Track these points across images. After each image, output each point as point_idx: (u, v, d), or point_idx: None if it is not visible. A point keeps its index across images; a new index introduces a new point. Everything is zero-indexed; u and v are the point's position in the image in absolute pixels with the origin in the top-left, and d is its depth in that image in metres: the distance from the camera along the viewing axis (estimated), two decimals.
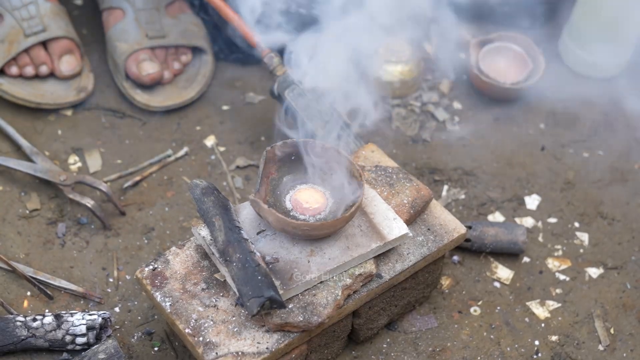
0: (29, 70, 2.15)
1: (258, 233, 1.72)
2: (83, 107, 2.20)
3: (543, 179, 2.16)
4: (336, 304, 1.67)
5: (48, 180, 2.01)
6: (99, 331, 1.77)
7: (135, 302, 1.88)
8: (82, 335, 1.75)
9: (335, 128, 2.07)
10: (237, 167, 2.12)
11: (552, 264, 2.01)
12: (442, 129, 2.24)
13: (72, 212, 2.00)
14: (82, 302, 1.87)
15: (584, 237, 2.06)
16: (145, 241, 1.98)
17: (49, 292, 1.86)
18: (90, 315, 1.76)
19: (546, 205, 2.11)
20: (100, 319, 1.76)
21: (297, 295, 1.67)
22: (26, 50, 2.15)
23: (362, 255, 1.71)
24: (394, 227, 1.74)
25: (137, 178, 2.07)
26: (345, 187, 1.75)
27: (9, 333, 1.74)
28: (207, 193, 1.72)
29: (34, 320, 1.76)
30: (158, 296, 1.68)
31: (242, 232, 1.67)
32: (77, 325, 1.75)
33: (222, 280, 1.70)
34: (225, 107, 2.23)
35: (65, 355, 1.76)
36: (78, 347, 1.76)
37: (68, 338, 1.75)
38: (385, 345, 1.87)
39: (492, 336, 1.89)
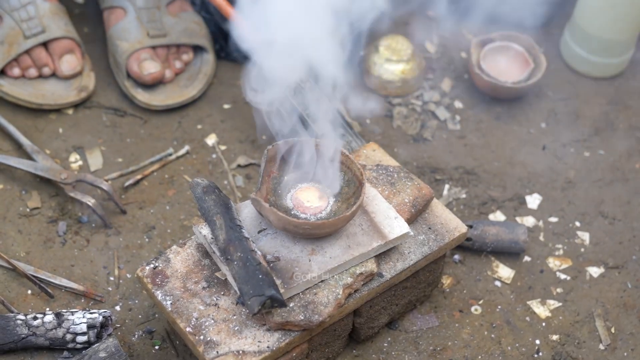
0: (32, 72, 2.16)
1: (259, 232, 1.72)
2: (84, 106, 2.20)
3: (544, 178, 2.16)
4: (337, 302, 1.67)
5: (49, 179, 2.01)
6: (100, 330, 1.77)
7: (136, 301, 1.88)
8: (83, 333, 1.75)
9: (336, 126, 2.06)
10: (238, 165, 2.12)
11: (553, 263, 2.01)
12: (443, 128, 2.24)
13: (72, 210, 2.00)
14: (82, 300, 1.87)
15: (585, 236, 2.06)
16: (146, 240, 1.97)
17: (49, 290, 1.86)
18: (91, 313, 1.76)
19: (547, 204, 2.11)
20: (101, 317, 1.76)
21: (298, 294, 1.67)
22: (27, 52, 2.15)
23: (363, 254, 1.71)
24: (395, 226, 1.74)
25: (138, 176, 2.07)
26: (346, 185, 1.75)
27: (10, 331, 1.74)
28: (208, 192, 1.72)
29: (35, 318, 1.76)
30: (159, 295, 1.68)
31: (243, 230, 1.67)
32: (77, 324, 1.75)
33: (223, 278, 1.70)
34: (226, 106, 2.23)
35: (65, 353, 1.76)
36: (79, 346, 1.76)
37: (69, 337, 1.75)
38: (386, 344, 1.87)
39: (493, 335, 1.89)
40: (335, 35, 2.10)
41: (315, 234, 1.69)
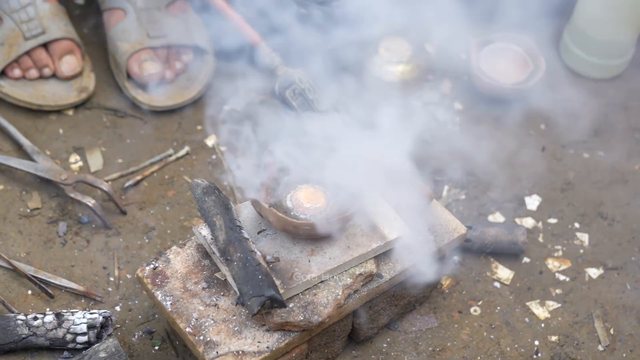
0: (33, 73, 2.16)
1: (259, 232, 1.72)
2: (84, 107, 2.20)
3: (543, 179, 2.16)
4: (336, 303, 1.67)
5: (49, 180, 2.01)
6: (100, 330, 1.77)
7: (136, 301, 1.88)
8: (83, 334, 1.75)
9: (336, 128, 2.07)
10: (238, 166, 2.12)
11: (552, 264, 2.02)
12: (443, 129, 2.24)
13: (73, 211, 2.01)
14: (82, 301, 1.88)
15: (584, 237, 2.07)
16: (146, 240, 1.98)
17: (49, 290, 1.87)
18: (91, 314, 1.77)
19: (546, 205, 2.11)
20: (101, 317, 1.76)
21: (298, 294, 1.67)
22: (27, 53, 2.15)
23: (363, 254, 1.71)
24: (395, 226, 1.74)
25: (138, 177, 2.07)
26: (346, 186, 1.75)
27: (10, 332, 1.75)
28: (208, 192, 1.72)
29: (35, 319, 1.76)
30: (159, 295, 1.69)
31: (243, 231, 1.67)
32: (77, 324, 1.75)
33: (223, 279, 1.71)
34: (226, 107, 2.23)
35: (66, 354, 1.77)
36: (79, 346, 1.76)
37: (69, 337, 1.75)
38: (385, 345, 1.87)
39: (492, 336, 1.90)
40: None
41: (315, 235, 1.69)
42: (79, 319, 1.76)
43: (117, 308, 1.87)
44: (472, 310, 1.94)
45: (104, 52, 2.28)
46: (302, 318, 1.64)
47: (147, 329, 1.85)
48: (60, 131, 2.15)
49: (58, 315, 1.76)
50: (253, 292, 1.59)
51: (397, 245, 1.76)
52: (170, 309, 1.67)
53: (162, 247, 1.96)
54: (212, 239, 1.69)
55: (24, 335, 1.75)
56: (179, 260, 1.74)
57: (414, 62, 2.28)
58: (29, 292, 1.88)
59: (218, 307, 1.67)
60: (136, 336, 1.84)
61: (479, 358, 1.86)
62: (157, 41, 2.19)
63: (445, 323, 1.91)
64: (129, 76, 2.19)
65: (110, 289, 1.90)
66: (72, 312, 1.77)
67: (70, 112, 2.19)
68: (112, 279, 1.92)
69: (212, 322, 1.65)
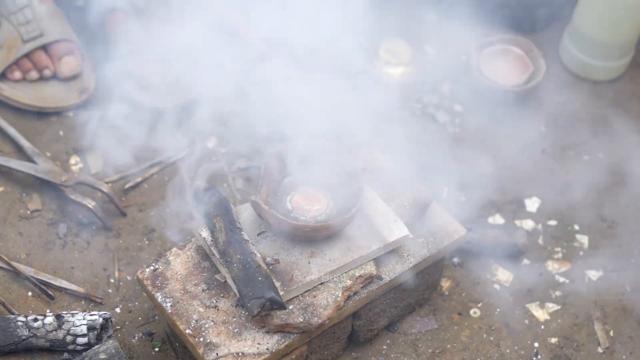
0: (33, 75, 2.16)
1: (259, 234, 1.72)
2: (85, 108, 2.20)
3: (543, 181, 2.16)
4: (336, 305, 1.67)
5: (49, 181, 2.01)
6: (100, 331, 1.77)
7: (136, 303, 1.89)
8: (83, 335, 1.75)
9: (336, 129, 2.07)
10: (238, 168, 2.12)
11: (551, 266, 2.02)
12: (442, 131, 2.24)
13: (73, 212, 2.01)
14: (83, 302, 1.88)
15: (583, 239, 2.07)
16: (146, 242, 1.98)
17: (50, 292, 1.87)
18: (91, 315, 1.77)
19: (546, 207, 2.12)
20: (101, 319, 1.76)
21: (298, 296, 1.67)
22: (27, 55, 2.15)
23: (363, 256, 1.71)
24: (394, 228, 1.74)
25: (138, 179, 2.08)
26: (346, 188, 1.75)
27: (10, 333, 1.75)
28: (208, 194, 1.72)
29: (35, 320, 1.76)
30: (159, 297, 1.69)
31: (242, 233, 1.68)
32: (78, 326, 1.75)
33: (223, 281, 1.71)
34: (226, 109, 2.23)
35: (66, 355, 1.77)
36: (79, 348, 1.76)
37: (69, 338, 1.75)
38: (385, 347, 1.87)
39: (491, 338, 1.90)
40: None
41: (314, 237, 1.70)
42: (79, 321, 1.76)
43: (117, 310, 1.88)
44: (471, 312, 1.94)
45: (105, 53, 2.27)
46: (301, 320, 1.64)
47: (147, 331, 1.85)
48: (61, 133, 2.15)
49: (58, 317, 1.76)
50: (253, 293, 1.59)
51: (397, 247, 1.76)
52: (170, 311, 1.67)
53: (162, 248, 1.96)
54: (212, 240, 1.69)
55: (24, 337, 1.75)
56: (179, 262, 1.74)
57: (414, 63, 2.28)
58: (29, 293, 1.88)
59: (218, 309, 1.68)
60: (136, 338, 1.85)
61: None
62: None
63: (445, 325, 1.91)
64: (130, 76, 2.19)
65: (110, 291, 1.90)
66: (72, 314, 1.77)
67: (71, 114, 2.19)
68: (112, 280, 1.92)
69: (212, 323, 1.66)
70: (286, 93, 2.10)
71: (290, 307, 1.66)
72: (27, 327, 1.75)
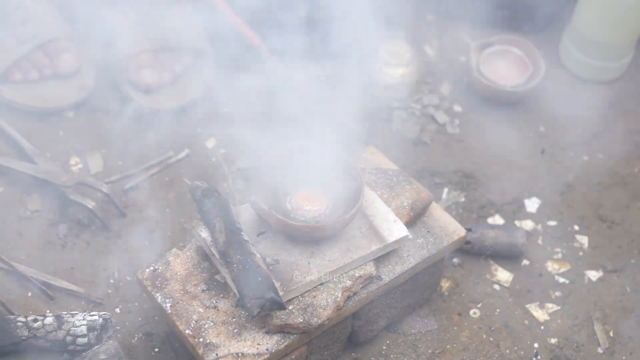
0: (34, 74, 2.16)
1: (259, 235, 1.72)
2: (85, 109, 2.20)
3: (543, 182, 2.16)
4: (336, 305, 1.67)
5: (49, 182, 2.02)
6: (100, 332, 1.77)
7: (136, 303, 1.89)
8: (83, 335, 1.75)
9: (336, 130, 2.07)
10: (238, 169, 2.12)
11: (551, 266, 2.02)
12: (442, 132, 2.24)
13: (73, 213, 2.01)
14: (82, 303, 1.88)
15: (583, 240, 2.07)
16: (146, 242, 1.98)
17: (49, 292, 1.87)
18: (91, 316, 1.77)
19: (546, 208, 2.12)
20: (101, 319, 1.76)
21: (297, 296, 1.67)
22: (25, 55, 2.15)
23: (362, 257, 1.71)
24: (394, 229, 1.74)
25: (138, 179, 2.08)
26: (345, 189, 1.75)
27: (10, 333, 1.75)
28: (208, 195, 1.72)
29: (35, 320, 1.76)
30: (159, 297, 1.69)
31: (242, 233, 1.68)
32: (77, 326, 1.75)
33: (223, 281, 1.71)
34: (226, 109, 2.23)
35: (66, 355, 1.77)
36: (79, 348, 1.76)
37: (69, 339, 1.75)
38: (384, 347, 1.87)
39: (491, 338, 1.90)
40: None
41: (314, 237, 1.70)
42: (79, 321, 1.76)
43: (117, 310, 1.88)
44: (471, 312, 1.94)
45: (105, 53, 2.27)
46: (301, 320, 1.64)
47: (146, 331, 1.85)
48: (61, 133, 2.15)
49: (58, 317, 1.76)
50: (253, 294, 1.59)
51: (396, 247, 1.76)
52: (170, 311, 1.67)
53: (162, 249, 1.96)
54: (212, 241, 1.69)
55: (24, 337, 1.75)
56: (179, 262, 1.74)
57: (414, 64, 2.29)
58: (29, 294, 1.88)
59: (218, 309, 1.68)
60: (136, 338, 1.85)
61: None
62: (157, 43, 2.19)
63: (444, 325, 1.91)
64: (128, 78, 2.19)
65: (110, 291, 1.90)
66: (72, 314, 1.77)
67: (71, 114, 2.19)
68: (111, 281, 1.92)
69: (211, 324, 1.66)
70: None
71: (290, 308, 1.66)
72: (27, 328, 1.75)
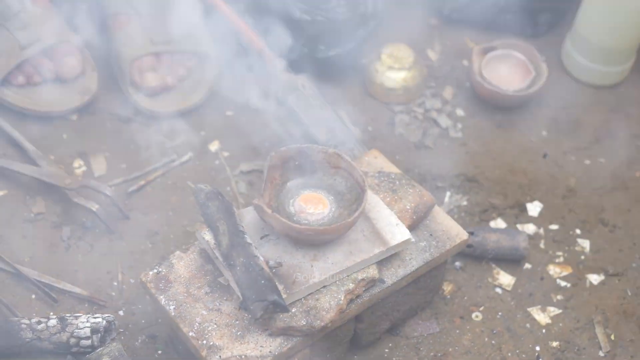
0: (36, 78, 2.17)
1: (262, 238, 1.73)
2: (88, 112, 2.21)
3: (545, 186, 2.17)
4: (339, 308, 1.68)
5: (53, 184, 2.02)
6: (103, 334, 1.78)
7: (139, 306, 1.89)
8: (87, 338, 1.76)
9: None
10: (241, 172, 2.13)
11: (553, 270, 2.02)
12: (444, 136, 2.25)
13: (76, 216, 2.01)
14: (86, 305, 1.89)
15: (585, 243, 2.07)
16: (150, 245, 1.99)
17: (53, 295, 1.88)
18: (94, 318, 1.77)
19: (548, 212, 2.12)
20: (104, 322, 1.77)
21: (300, 299, 1.68)
22: (28, 59, 2.16)
23: (365, 260, 1.72)
24: (397, 232, 1.75)
25: (142, 182, 2.08)
26: (348, 192, 1.76)
27: (14, 335, 1.75)
28: (211, 198, 1.73)
29: (39, 322, 1.77)
30: (162, 299, 1.70)
31: (246, 236, 1.68)
32: (81, 328, 1.76)
33: (226, 284, 1.71)
34: (229, 113, 2.24)
35: (69, 357, 1.77)
36: (82, 350, 1.76)
37: (72, 341, 1.76)
38: (387, 350, 1.88)
39: (493, 342, 1.90)
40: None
41: (317, 240, 1.70)
42: (83, 323, 1.76)
43: (121, 312, 1.88)
44: (473, 315, 1.94)
45: (108, 57, 2.28)
46: (304, 323, 1.65)
47: (150, 333, 1.86)
48: (64, 136, 2.16)
49: (62, 319, 1.77)
50: (256, 296, 1.60)
51: (399, 250, 1.76)
52: (173, 314, 1.68)
53: (166, 252, 1.97)
54: (215, 243, 1.70)
55: (27, 339, 1.75)
56: (182, 265, 1.74)
57: (416, 68, 2.29)
58: (33, 296, 1.89)
59: (221, 312, 1.68)
60: (139, 340, 1.85)
61: None
62: (160, 47, 2.20)
63: (446, 328, 1.92)
64: (132, 82, 2.20)
65: (113, 294, 1.91)
66: (75, 317, 1.78)
67: (74, 117, 2.19)
68: (115, 283, 1.93)
69: (215, 326, 1.66)
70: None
71: (293, 310, 1.66)
72: (31, 330, 1.76)
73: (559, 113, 2.32)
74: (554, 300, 1.98)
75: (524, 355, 1.89)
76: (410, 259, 1.78)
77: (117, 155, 2.14)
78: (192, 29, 2.25)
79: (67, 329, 1.76)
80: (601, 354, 1.90)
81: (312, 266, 1.69)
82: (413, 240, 1.76)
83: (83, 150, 2.14)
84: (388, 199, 1.83)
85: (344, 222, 1.68)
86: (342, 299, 1.69)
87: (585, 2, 2.33)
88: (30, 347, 1.76)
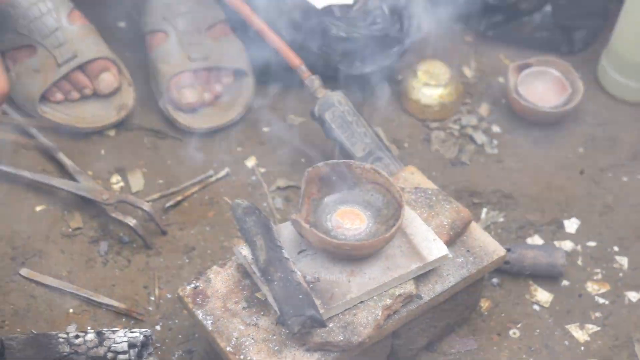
0: (74, 95, 2.19)
1: (299, 253, 1.73)
2: (125, 128, 2.22)
3: (582, 202, 2.16)
4: (376, 323, 1.67)
5: (91, 199, 2.03)
6: (141, 349, 1.78)
7: (176, 321, 1.90)
8: (124, 352, 1.76)
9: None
10: (278, 188, 2.13)
11: (591, 287, 2.01)
12: (480, 152, 2.24)
13: (114, 230, 2.03)
14: (123, 319, 1.89)
15: (623, 261, 2.06)
16: (187, 260, 1.99)
17: (91, 309, 1.88)
18: (132, 332, 1.78)
19: (585, 228, 2.11)
20: (141, 336, 1.77)
21: (338, 314, 1.67)
22: (64, 76, 2.18)
23: (402, 275, 1.71)
24: (434, 248, 1.75)
25: (179, 198, 2.09)
26: (385, 208, 1.76)
27: (52, 350, 1.76)
28: (248, 213, 1.73)
29: (77, 337, 1.77)
30: (199, 314, 1.70)
31: (283, 251, 1.69)
32: (118, 343, 1.76)
33: (263, 299, 1.71)
34: (265, 129, 2.25)
35: None
36: None
37: (110, 355, 1.76)
38: None
39: (531, 359, 1.89)
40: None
41: (354, 255, 1.70)
42: (120, 338, 1.77)
43: (158, 327, 1.89)
44: (511, 332, 1.93)
45: (146, 74, 2.30)
46: (342, 338, 1.65)
47: (187, 348, 1.86)
48: (102, 152, 2.18)
49: (99, 334, 1.78)
50: (293, 311, 1.60)
51: (436, 266, 1.76)
52: (211, 328, 1.68)
53: (202, 267, 1.97)
54: (252, 258, 1.70)
55: (65, 353, 1.76)
56: (220, 279, 1.75)
57: (452, 85, 2.29)
58: (71, 310, 1.90)
59: (258, 327, 1.68)
60: (176, 355, 1.86)
61: None
62: (198, 64, 2.21)
63: (484, 345, 1.91)
64: (169, 98, 2.21)
65: (150, 309, 1.92)
66: (113, 331, 1.78)
67: (112, 133, 2.21)
68: (152, 298, 1.93)
69: (252, 341, 1.66)
70: None
71: (330, 325, 1.66)
72: (68, 344, 1.77)
73: (596, 130, 2.31)
74: (592, 318, 1.96)
75: None
76: (447, 275, 1.78)
77: (154, 171, 2.15)
78: (230, 46, 2.27)
79: (104, 344, 1.76)
80: None
81: (349, 281, 1.69)
82: (450, 255, 1.76)
83: (120, 165, 2.15)
84: (425, 214, 1.83)
85: (382, 237, 1.68)
86: (380, 314, 1.68)
87: (621, 19, 2.32)
88: None
